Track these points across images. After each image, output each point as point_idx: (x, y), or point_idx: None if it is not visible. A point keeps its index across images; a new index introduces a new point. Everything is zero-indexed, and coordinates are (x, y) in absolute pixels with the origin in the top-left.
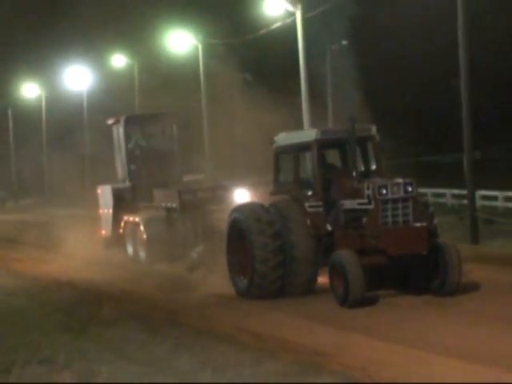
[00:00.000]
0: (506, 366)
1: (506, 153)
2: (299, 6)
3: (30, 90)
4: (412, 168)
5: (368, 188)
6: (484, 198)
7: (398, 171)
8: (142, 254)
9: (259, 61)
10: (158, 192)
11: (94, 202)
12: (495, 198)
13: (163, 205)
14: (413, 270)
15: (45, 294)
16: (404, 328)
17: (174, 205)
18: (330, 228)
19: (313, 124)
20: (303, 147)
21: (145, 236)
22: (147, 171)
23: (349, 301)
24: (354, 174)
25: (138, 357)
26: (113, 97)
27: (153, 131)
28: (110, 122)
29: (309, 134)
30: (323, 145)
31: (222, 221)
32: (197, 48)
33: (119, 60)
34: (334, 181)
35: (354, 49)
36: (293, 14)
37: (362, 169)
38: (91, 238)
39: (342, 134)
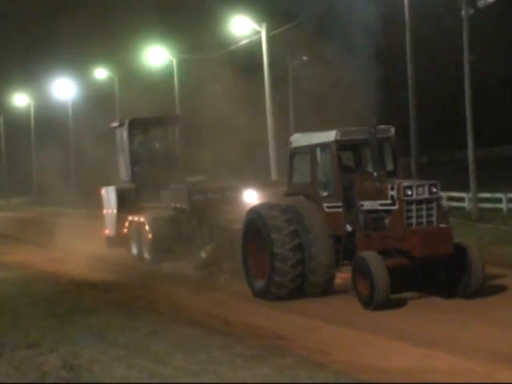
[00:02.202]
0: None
1: (449, 156)
2: (264, 25)
3: (20, 100)
4: None
5: (392, 189)
6: None
7: None
8: (147, 253)
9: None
10: (166, 192)
11: (79, 201)
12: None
13: (172, 205)
14: (436, 272)
15: (33, 283)
16: (360, 314)
17: (183, 205)
18: (349, 229)
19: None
20: (321, 148)
21: (150, 236)
22: (150, 172)
23: (374, 303)
24: (376, 174)
25: (117, 341)
26: (95, 106)
27: (156, 133)
28: (114, 125)
29: (328, 135)
30: (342, 146)
31: (232, 221)
32: (172, 62)
33: (101, 73)
34: (354, 182)
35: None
36: (258, 32)
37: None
38: (80, 234)
39: (361, 135)
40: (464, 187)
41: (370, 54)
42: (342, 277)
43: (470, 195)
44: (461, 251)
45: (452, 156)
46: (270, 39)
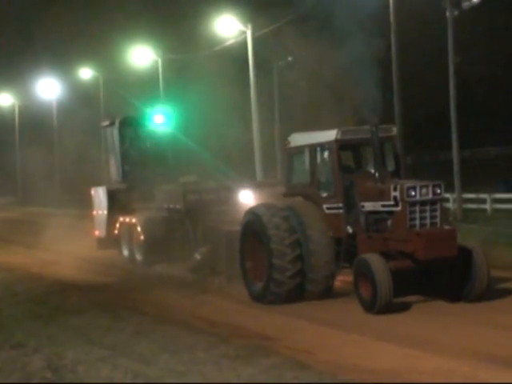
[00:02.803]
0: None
1: (434, 157)
2: (249, 26)
3: (4, 100)
4: None
5: (395, 189)
6: None
7: None
8: (139, 255)
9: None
10: (159, 192)
11: (64, 201)
12: None
13: (166, 206)
14: (439, 274)
15: (18, 284)
16: (346, 315)
17: (177, 206)
18: (350, 230)
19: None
20: (321, 148)
21: (142, 237)
22: (142, 172)
23: (376, 306)
24: (378, 175)
25: (102, 341)
26: (80, 105)
27: (147, 131)
28: (105, 123)
29: (328, 134)
30: (343, 145)
31: (227, 222)
32: (157, 62)
33: (86, 72)
34: (355, 182)
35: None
36: (244, 33)
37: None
38: (67, 234)
39: (362, 134)
40: (448, 188)
41: (356, 55)
42: (341, 279)
43: (455, 196)
44: (465, 253)
45: (436, 157)
46: (255, 39)
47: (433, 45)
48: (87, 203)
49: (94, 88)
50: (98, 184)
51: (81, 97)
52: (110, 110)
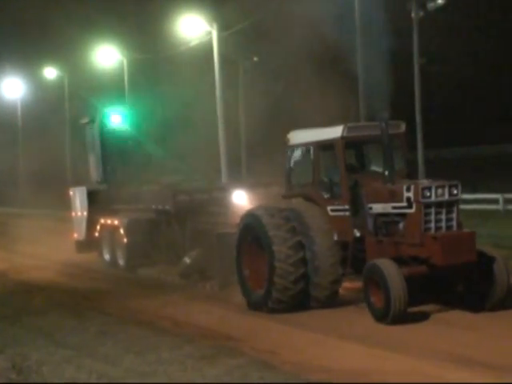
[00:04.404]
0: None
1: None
2: (215, 26)
3: None
4: None
5: (409, 190)
6: None
7: None
8: (121, 259)
9: (177, 74)
10: (146, 193)
11: (29, 201)
12: None
13: (153, 207)
14: (455, 280)
15: None
16: (313, 316)
17: (166, 207)
18: (358, 234)
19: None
20: (325, 146)
21: (125, 240)
22: (123, 172)
23: (390, 316)
24: (387, 174)
25: (66, 342)
26: (45, 105)
27: (129, 130)
28: (84, 121)
29: (333, 131)
30: (349, 143)
31: (220, 224)
32: (122, 62)
33: (51, 72)
34: (361, 182)
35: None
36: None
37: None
38: (36, 236)
39: (371, 130)
40: None
41: (324, 56)
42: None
43: None
44: (483, 258)
45: None
46: (221, 39)
47: (399, 45)
48: (54, 203)
49: (59, 88)
50: (63, 183)
51: (46, 96)
52: (75, 110)
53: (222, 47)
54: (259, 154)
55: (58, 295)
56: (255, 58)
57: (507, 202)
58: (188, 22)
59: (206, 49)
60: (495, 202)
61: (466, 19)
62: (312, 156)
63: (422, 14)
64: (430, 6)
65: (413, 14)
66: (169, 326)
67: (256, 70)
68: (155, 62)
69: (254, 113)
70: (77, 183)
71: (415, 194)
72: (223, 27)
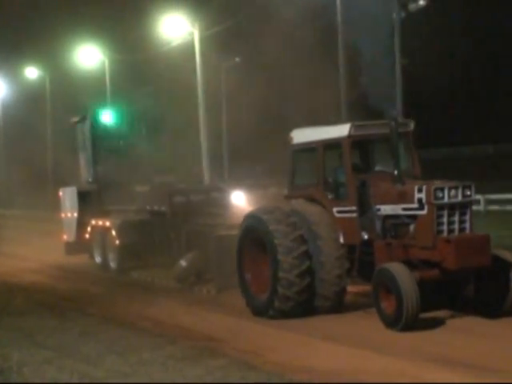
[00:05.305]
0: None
1: None
2: (197, 25)
3: None
4: None
5: (420, 191)
6: None
7: None
8: (113, 262)
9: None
10: (141, 193)
11: (10, 201)
12: None
13: (148, 208)
14: (467, 284)
15: None
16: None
17: (162, 208)
18: (366, 237)
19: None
20: (332, 144)
21: (117, 242)
22: (115, 172)
23: (402, 322)
24: (397, 174)
25: (47, 343)
26: (27, 105)
27: (121, 129)
28: (74, 120)
29: (339, 129)
30: (356, 142)
31: (217, 226)
32: (104, 62)
33: (32, 72)
34: (368, 183)
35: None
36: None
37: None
38: (19, 236)
39: (379, 129)
40: None
41: (305, 55)
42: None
43: None
44: (496, 262)
45: None
46: (203, 39)
47: (381, 46)
48: (35, 203)
49: (41, 87)
50: (45, 184)
51: (28, 96)
52: (58, 109)
53: (204, 47)
54: (242, 156)
55: (39, 296)
56: (237, 59)
57: (488, 202)
58: (170, 22)
59: (189, 49)
60: (476, 202)
61: (447, 20)
62: (317, 155)
63: (403, 14)
64: (412, 7)
65: (394, 15)
66: (151, 327)
67: (239, 70)
68: (137, 62)
69: (237, 114)
70: (63, 183)
71: (427, 195)
72: (206, 27)
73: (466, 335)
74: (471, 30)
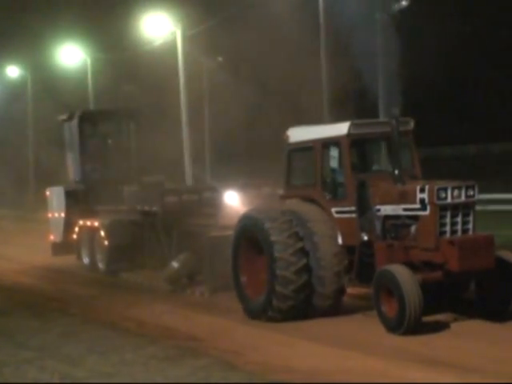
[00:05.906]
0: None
1: None
2: (179, 25)
3: None
4: None
5: (422, 191)
6: None
7: None
8: (101, 263)
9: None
10: (131, 193)
11: None
12: None
13: (138, 208)
14: (468, 286)
15: None
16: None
17: (153, 208)
18: (365, 238)
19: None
20: (330, 143)
21: (106, 243)
22: (103, 171)
23: (404, 326)
24: (397, 174)
25: (28, 343)
26: (8, 104)
27: (109, 128)
28: (63, 117)
29: (338, 128)
30: (355, 141)
31: (210, 226)
32: (86, 61)
33: (13, 71)
34: (367, 182)
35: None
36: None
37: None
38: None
39: (379, 128)
40: None
41: (290, 56)
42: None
43: None
44: (501, 264)
45: None
46: (186, 39)
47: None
48: (18, 203)
49: (23, 86)
50: (27, 183)
51: (9, 95)
52: (40, 109)
53: (187, 47)
54: (225, 156)
55: (22, 296)
56: (219, 58)
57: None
58: (153, 22)
59: (172, 48)
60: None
61: (429, 21)
62: (315, 154)
63: (386, 15)
64: (394, 7)
65: (377, 15)
66: (132, 327)
67: (222, 70)
68: (120, 61)
69: (220, 114)
70: (45, 183)
71: (430, 195)
72: (188, 27)
73: (460, 337)
74: (453, 30)
